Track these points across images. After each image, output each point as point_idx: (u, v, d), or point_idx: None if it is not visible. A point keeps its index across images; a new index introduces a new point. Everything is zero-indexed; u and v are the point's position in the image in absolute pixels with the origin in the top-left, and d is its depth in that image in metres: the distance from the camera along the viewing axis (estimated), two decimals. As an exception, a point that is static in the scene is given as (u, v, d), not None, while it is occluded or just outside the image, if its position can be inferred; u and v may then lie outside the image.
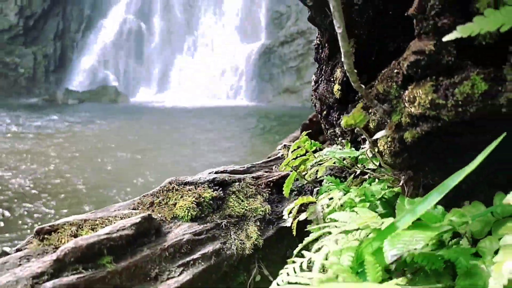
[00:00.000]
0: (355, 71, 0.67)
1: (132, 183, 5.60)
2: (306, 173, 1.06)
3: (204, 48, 23.71)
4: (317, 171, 1.09)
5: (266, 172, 1.16)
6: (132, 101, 21.98)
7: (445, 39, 0.53)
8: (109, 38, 24.64)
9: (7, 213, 4.37)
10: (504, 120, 0.63)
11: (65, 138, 9.48)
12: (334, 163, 1.05)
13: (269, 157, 1.43)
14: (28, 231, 3.77)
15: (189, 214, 0.84)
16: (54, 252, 0.62)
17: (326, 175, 1.05)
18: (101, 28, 25.04)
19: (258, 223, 0.94)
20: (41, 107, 19.02)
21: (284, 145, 1.37)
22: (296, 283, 0.62)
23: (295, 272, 0.67)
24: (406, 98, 0.66)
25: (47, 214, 4.39)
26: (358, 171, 0.97)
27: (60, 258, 0.59)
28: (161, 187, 0.92)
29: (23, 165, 6.55)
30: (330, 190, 0.89)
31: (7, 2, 23.96)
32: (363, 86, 0.69)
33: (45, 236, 0.68)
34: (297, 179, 1.07)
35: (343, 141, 1.04)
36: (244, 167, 1.15)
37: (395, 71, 0.67)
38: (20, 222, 4.15)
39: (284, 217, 0.93)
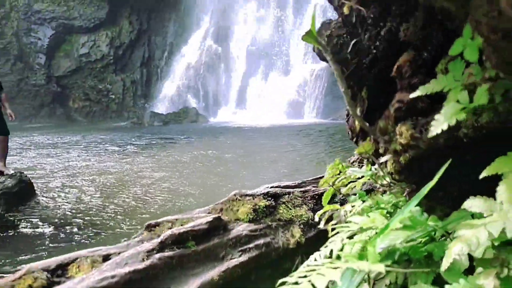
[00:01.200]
0: (359, 114, 0.95)
1: (215, 192, 6.05)
2: (343, 188, 1.33)
3: (278, 68, 24.33)
4: (354, 186, 1.35)
5: (313, 187, 1.44)
6: (212, 122, 23.04)
7: (412, 95, 0.79)
8: (189, 63, 26.17)
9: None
10: (470, 144, 0.87)
11: (164, 154, 10.38)
12: (369, 179, 1.31)
13: (322, 176, 1.71)
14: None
15: (248, 217, 1.15)
16: (158, 237, 0.96)
17: (359, 190, 1.30)
18: (182, 54, 26.69)
19: (302, 226, 1.23)
20: (130, 129, 20.66)
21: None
22: (316, 265, 0.90)
23: (320, 258, 0.95)
24: (397, 132, 0.92)
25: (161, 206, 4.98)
26: (378, 186, 1.22)
27: (163, 240, 0.93)
28: (228, 197, 1.24)
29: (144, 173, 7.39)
30: (357, 200, 1.15)
31: (99, 35, 26.49)
32: (367, 124, 0.96)
33: (152, 228, 1.03)
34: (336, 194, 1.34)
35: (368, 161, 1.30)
36: (295, 182, 1.44)
37: (389, 113, 0.93)
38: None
39: (315, 220, 1.20)
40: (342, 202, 1.40)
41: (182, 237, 0.94)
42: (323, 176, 1.59)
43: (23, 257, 4.03)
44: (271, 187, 1.30)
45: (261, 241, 1.07)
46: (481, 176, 0.73)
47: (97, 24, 26.24)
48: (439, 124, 0.73)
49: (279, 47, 24.65)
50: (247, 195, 1.22)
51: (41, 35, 25.94)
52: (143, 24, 27.53)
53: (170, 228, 1.02)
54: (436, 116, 0.74)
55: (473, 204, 0.78)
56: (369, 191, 1.28)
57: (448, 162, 0.78)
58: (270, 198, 1.23)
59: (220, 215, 1.12)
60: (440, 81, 0.74)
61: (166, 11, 27.87)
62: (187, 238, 0.95)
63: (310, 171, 7.12)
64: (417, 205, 0.86)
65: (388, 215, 1.03)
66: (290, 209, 1.24)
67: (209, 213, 1.16)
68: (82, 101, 26.72)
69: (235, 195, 1.22)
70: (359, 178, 1.35)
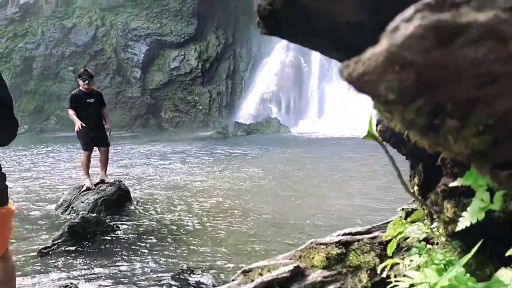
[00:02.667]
0: (412, 191, 1.15)
1: (305, 224, 6.28)
2: (405, 240, 1.52)
3: (361, 77, 24.06)
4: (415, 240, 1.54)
5: (382, 232, 1.64)
6: (293, 132, 23.32)
7: (451, 184, 0.99)
8: (272, 74, 26.80)
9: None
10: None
11: (257, 160, 10.90)
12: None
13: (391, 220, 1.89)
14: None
15: (322, 264, 1.39)
16: (252, 282, 1.25)
17: (419, 244, 1.49)
18: (265, 65, 27.41)
19: (369, 272, 1.44)
20: (216, 139, 21.65)
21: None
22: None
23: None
24: (444, 207, 1.11)
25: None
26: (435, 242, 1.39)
27: (256, 286, 1.20)
28: (305, 245, 1.50)
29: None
30: (415, 254, 1.35)
31: (189, 49, 28.10)
32: (419, 197, 1.17)
33: (246, 273, 1.31)
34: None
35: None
36: (365, 228, 1.65)
37: (438, 190, 1.13)
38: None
39: (377, 272, 1.41)
40: (405, 252, 1.58)
41: (270, 284, 1.21)
42: (391, 221, 1.78)
43: (118, 261, 4.58)
44: (343, 235, 1.53)
45: (332, 287, 1.30)
46: (506, 254, 0.91)
47: (187, 39, 27.87)
48: (464, 221, 0.92)
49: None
50: (321, 243, 1.46)
51: (137, 50, 28.12)
52: (228, 38, 28.72)
53: (260, 274, 1.30)
54: (464, 213, 0.93)
55: (503, 273, 0.96)
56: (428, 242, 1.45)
57: (480, 242, 0.96)
58: (341, 246, 1.45)
59: (298, 263, 1.37)
60: (469, 176, 0.93)
61: (250, 25, 28.78)
62: (273, 285, 1.21)
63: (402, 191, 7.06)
64: (466, 263, 1.05)
65: (441, 271, 1.21)
66: (359, 255, 1.45)
67: (290, 259, 1.42)
68: (172, 112, 28.47)
69: (311, 243, 1.47)
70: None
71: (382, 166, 9.84)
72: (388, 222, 1.79)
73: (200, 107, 28.18)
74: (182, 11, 27.31)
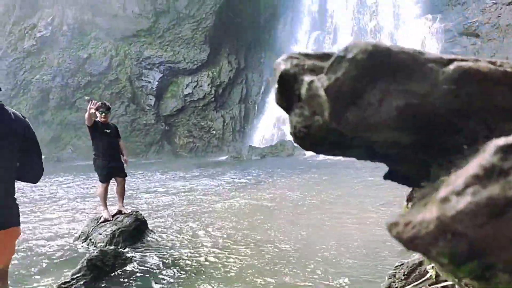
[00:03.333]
0: None
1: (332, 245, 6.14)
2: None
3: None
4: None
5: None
6: (308, 154, 23.18)
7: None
8: (285, 97, 26.88)
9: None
10: None
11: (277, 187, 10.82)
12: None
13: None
14: None
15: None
16: None
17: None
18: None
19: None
20: (231, 163, 21.63)
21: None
22: None
23: None
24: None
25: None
26: None
27: None
28: None
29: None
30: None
31: (202, 75, 28.42)
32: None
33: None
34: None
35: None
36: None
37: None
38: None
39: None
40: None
41: None
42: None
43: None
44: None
45: None
46: None
47: (200, 66, 28.22)
48: None
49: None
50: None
51: (151, 78, 28.53)
52: (240, 63, 29.01)
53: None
54: None
55: None
56: None
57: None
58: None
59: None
60: None
61: (262, 50, 29.12)
62: None
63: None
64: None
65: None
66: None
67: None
68: (187, 137, 28.62)
69: None
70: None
71: (402, 191, 9.65)
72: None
73: (214, 132, 28.29)
74: (194, 38, 27.73)
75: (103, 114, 7.34)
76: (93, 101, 7.16)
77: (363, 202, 9.08)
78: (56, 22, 28.41)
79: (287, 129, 26.52)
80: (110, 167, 7.39)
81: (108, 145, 7.38)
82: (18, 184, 2.83)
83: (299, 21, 27.39)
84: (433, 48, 21.71)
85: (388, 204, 8.67)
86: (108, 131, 7.41)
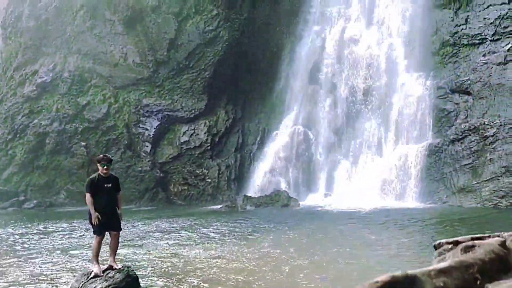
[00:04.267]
0: None
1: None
2: None
3: (369, 150, 24.18)
4: None
5: None
6: (302, 205, 23.08)
7: None
8: (280, 147, 27.07)
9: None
10: None
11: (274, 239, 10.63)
12: None
13: None
14: None
15: None
16: None
17: None
18: (274, 139, 27.79)
19: None
20: (226, 213, 21.43)
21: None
22: None
23: None
24: None
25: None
26: None
27: None
28: None
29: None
30: None
31: (199, 124, 28.71)
32: None
33: None
34: None
35: None
36: None
37: None
38: None
39: None
40: None
41: None
42: None
43: None
44: None
45: None
46: None
47: (197, 114, 28.57)
48: None
49: (369, 129, 24.64)
50: None
51: (148, 125, 28.76)
52: (237, 113, 29.41)
53: None
54: None
55: None
56: None
57: None
58: None
59: None
60: None
61: (259, 100, 29.62)
62: None
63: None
64: None
65: None
66: None
67: None
68: (181, 185, 28.47)
69: None
70: None
71: (406, 252, 9.43)
72: None
73: (209, 180, 28.20)
74: (193, 88, 28.25)
75: (105, 166, 7.42)
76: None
77: (366, 266, 8.51)
78: (57, 68, 28.95)
79: (282, 179, 26.56)
80: (105, 221, 7.37)
81: (106, 200, 7.41)
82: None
83: (296, 75, 28.07)
84: (426, 104, 22.22)
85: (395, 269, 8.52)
86: (108, 185, 7.44)
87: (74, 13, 28.92)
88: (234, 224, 16.35)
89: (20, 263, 9.65)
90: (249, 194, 24.93)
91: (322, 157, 25.81)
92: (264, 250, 10.62)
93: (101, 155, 7.70)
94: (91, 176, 7.69)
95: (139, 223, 17.38)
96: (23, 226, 17.39)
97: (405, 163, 22.04)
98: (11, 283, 8.04)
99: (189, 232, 14.41)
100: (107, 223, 7.38)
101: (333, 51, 26.08)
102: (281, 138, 27.37)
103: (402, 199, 21.55)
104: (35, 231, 15.93)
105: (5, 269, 9.14)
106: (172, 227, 16.13)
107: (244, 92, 29.66)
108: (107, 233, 7.49)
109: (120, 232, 7.75)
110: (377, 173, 22.81)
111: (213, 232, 14.23)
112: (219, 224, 16.39)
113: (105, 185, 7.38)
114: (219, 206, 24.09)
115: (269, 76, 29.21)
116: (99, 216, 7.18)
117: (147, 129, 28.74)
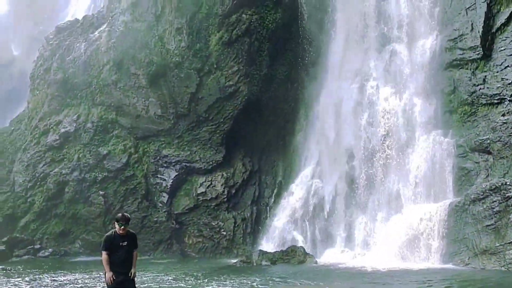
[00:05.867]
0: None
1: None
2: None
3: (388, 207, 23.80)
4: None
5: None
6: (320, 261, 22.56)
7: None
8: (297, 201, 26.90)
9: None
10: None
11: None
12: None
13: None
14: None
15: None
16: None
17: None
18: (290, 192, 27.67)
19: None
20: (240, 269, 21.06)
21: None
22: None
23: None
24: None
25: None
26: None
27: None
28: None
29: None
30: None
31: (216, 175, 28.88)
32: None
33: None
34: None
35: None
36: None
37: None
38: None
39: None
40: None
41: None
42: None
43: None
44: None
45: None
46: None
47: (214, 166, 28.80)
48: None
49: (387, 186, 24.37)
50: None
51: (166, 176, 29.03)
52: (254, 165, 29.56)
53: None
54: None
55: None
56: None
57: None
58: None
59: None
60: None
61: (275, 153, 29.82)
62: None
63: None
64: None
65: None
66: None
67: None
68: (196, 237, 28.25)
69: None
70: None
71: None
72: None
73: (224, 233, 27.96)
74: (211, 140, 28.67)
75: (122, 226, 7.49)
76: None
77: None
78: (81, 119, 29.81)
79: (298, 233, 26.17)
80: (120, 280, 7.36)
81: (122, 259, 7.43)
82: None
83: (312, 130, 28.35)
84: (445, 162, 22.04)
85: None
86: (124, 243, 7.47)
87: (101, 67, 30.13)
88: (253, 281, 16.02)
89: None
90: (264, 249, 24.51)
91: (340, 213, 25.46)
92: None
93: (120, 214, 7.78)
94: (107, 233, 7.75)
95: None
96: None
97: (425, 222, 21.56)
98: None
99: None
100: (122, 283, 7.36)
101: (350, 109, 26.37)
102: (298, 192, 27.23)
103: (422, 259, 20.91)
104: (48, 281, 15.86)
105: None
106: (189, 284, 15.88)
107: (261, 145, 29.95)
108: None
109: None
110: (396, 231, 22.30)
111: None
112: (237, 281, 16.07)
113: (121, 244, 7.42)
114: (234, 261, 23.70)
115: (286, 130, 29.56)
116: (113, 276, 7.19)
117: (165, 180, 28.99)
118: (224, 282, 15.78)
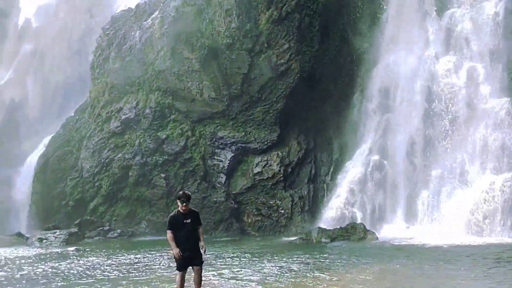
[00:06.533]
0: None
1: None
2: None
3: (451, 180, 22.88)
4: None
5: None
6: (381, 238, 22.18)
7: None
8: (355, 178, 26.47)
9: None
10: None
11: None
12: None
13: None
14: None
15: None
16: None
17: None
18: (347, 169, 27.27)
19: None
20: (301, 246, 21.19)
21: None
22: None
23: None
24: None
25: None
26: None
27: None
28: None
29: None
30: None
31: (271, 155, 29.03)
32: None
33: None
34: None
35: None
36: None
37: None
38: None
39: None
40: None
41: None
42: None
43: None
44: None
45: None
46: None
47: (270, 146, 28.94)
48: None
49: (451, 158, 23.35)
50: None
51: (223, 157, 29.56)
52: (309, 143, 29.38)
53: None
54: None
55: None
56: None
57: None
58: None
59: None
60: None
61: (331, 130, 29.42)
62: None
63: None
64: None
65: None
66: None
67: None
68: (255, 216, 28.68)
69: None
70: None
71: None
72: None
73: (282, 211, 28.17)
74: (265, 120, 28.76)
75: (184, 203, 7.70)
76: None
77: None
78: (140, 105, 30.89)
79: (357, 210, 25.83)
80: (187, 256, 7.60)
81: (186, 236, 7.64)
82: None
83: (369, 104, 27.62)
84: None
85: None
86: (187, 221, 7.69)
87: (155, 53, 30.91)
88: (315, 257, 16.08)
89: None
90: (323, 226, 24.45)
91: (400, 188, 24.81)
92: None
93: (181, 192, 7.99)
94: (171, 213, 8.03)
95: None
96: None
97: (492, 194, 20.55)
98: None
99: (271, 264, 14.39)
100: (189, 259, 7.61)
101: (409, 78, 25.36)
102: (355, 169, 26.79)
103: (488, 234, 20.00)
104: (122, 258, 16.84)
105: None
106: (254, 259, 16.21)
107: (316, 123, 29.64)
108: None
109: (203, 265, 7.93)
110: (461, 205, 21.46)
111: (296, 264, 14.10)
112: (299, 256, 16.22)
113: (185, 221, 7.64)
114: (293, 238, 23.87)
115: (341, 106, 29.01)
116: (180, 252, 7.43)
117: (221, 161, 29.52)
118: (284, 258, 15.96)
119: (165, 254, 17.08)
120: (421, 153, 24.19)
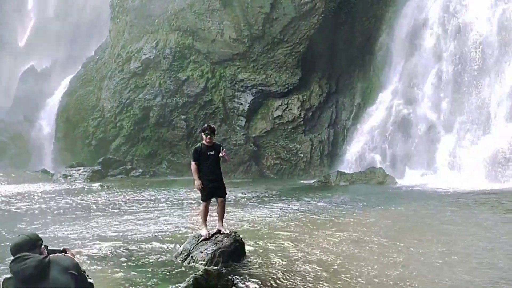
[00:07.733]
0: None
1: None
2: None
3: (475, 127, 22.38)
4: None
5: None
6: (399, 183, 22.15)
7: None
8: (376, 123, 26.10)
9: None
10: None
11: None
12: None
13: None
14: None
15: None
16: None
17: None
18: (370, 114, 26.86)
19: None
20: (319, 188, 21.37)
21: None
22: None
23: None
24: None
25: None
26: None
27: None
28: None
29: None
30: None
31: (292, 99, 28.72)
32: None
33: None
34: None
35: None
36: None
37: None
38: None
39: None
40: None
41: None
42: None
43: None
44: None
45: None
46: None
47: (290, 89, 28.55)
48: None
49: (476, 104, 22.72)
50: None
51: (243, 100, 29.39)
52: (331, 87, 28.88)
53: None
54: None
55: None
56: None
57: None
58: None
59: None
60: None
61: (354, 73, 28.76)
62: None
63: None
64: None
65: None
66: None
67: None
68: (274, 159, 28.89)
69: None
70: None
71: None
72: None
73: (302, 155, 28.25)
74: (287, 62, 28.17)
75: (208, 136, 7.69)
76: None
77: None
78: (160, 46, 30.54)
79: (377, 155, 25.68)
80: (211, 187, 7.70)
81: (210, 167, 7.70)
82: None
83: (395, 47, 26.67)
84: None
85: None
86: (212, 153, 7.71)
87: (175, -9, 30.11)
88: (332, 198, 16.25)
89: (132, 221, 10.52)
90: (342, 170, 24.51)
91: (422, 134, 24.41)
92: (380, 225, 10.46)
93: (206, 125, 7.96)
94: (196, 145, 8.06)
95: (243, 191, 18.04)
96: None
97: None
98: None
99: (287, 202, 14.61)
100: (212, 190, 7.72)
101: (438, 20, 24.23)
102: (377, 114, 26.36)
103: (507, 180, 19.70)
104: (147, 197, 17.32)
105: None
106: (272, 198, 16.48)
107: (339, 66, 28.97)
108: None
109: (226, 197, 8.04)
110: (484, 152, 21.06)
111: (313, 205, 14.29)
112: (317, 198, 16.41)
113: (209, 153, 7.67)
114: (311, 181, 24.03)
115: (366, 49, 28.15)
116: (202, 184, 7.52)
117: (241, 104, 29.39)
118: (304, 199, 16.17)
119: (188, 191, 17.47)
120: (446, 100, 23.53)
